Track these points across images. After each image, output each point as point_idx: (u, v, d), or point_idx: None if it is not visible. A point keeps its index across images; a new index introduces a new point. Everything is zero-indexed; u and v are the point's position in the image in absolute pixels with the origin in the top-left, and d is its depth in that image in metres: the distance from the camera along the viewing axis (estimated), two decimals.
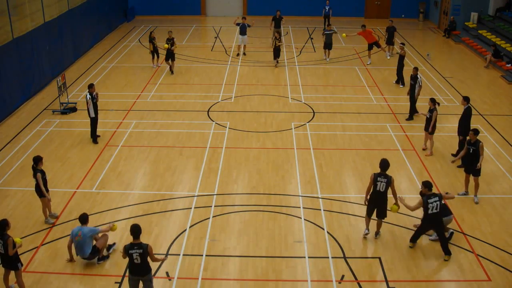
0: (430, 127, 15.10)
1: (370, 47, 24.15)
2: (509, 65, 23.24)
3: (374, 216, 11.49)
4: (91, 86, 15.84)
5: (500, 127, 17.54)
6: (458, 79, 22.48)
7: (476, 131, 13.01)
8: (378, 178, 11.13)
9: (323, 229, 11.91)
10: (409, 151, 15.70)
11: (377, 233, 11.71)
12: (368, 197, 11.41)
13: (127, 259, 9.19)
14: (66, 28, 23.45)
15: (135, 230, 8.89)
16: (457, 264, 10.83)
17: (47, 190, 11.93)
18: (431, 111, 15.05)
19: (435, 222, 10.83)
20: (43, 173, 11.79)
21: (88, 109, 15.79)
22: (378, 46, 24.16)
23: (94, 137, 16.14)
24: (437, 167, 14.80)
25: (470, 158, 12.93)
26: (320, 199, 13.13)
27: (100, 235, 10.73)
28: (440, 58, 25.80)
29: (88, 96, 15.65)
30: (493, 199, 13.20)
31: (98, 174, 14.29)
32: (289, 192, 13.46)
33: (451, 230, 11.57)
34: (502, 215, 12.58)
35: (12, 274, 9.88)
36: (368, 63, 24.26)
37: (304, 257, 10.98)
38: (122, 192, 13.45)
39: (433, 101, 15.09)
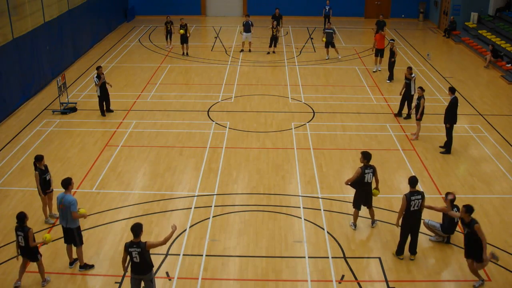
0: (418, 113, 15.88)
1: (377, 54, 22.80)
2: (509, 65, 23.24)
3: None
4: (98, 68, 17.80)
5: (500, 127, 17.54)
6: (458, 79, 22.48)
7: (470, 209, 9.75)
8: (366, 170, 11.38)
9: (323, 229, 11.91)
10: (409, 151, 15.70)
11: (373, 222, 11.92)
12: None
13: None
14: (66, 28, 23.45)
15: (134, 229, 8.90)
16: (457, 264, 10.82)
17: (47, 190, 11.87)
18: (418, 98, 15.94)
19: (415, 220, 10.63)
20: (42, 172, 11.73)
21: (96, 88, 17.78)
22: (382, 55, 22.80)
23: (102, 111, 18.06)
24: (437, 167, 14.80)
25: (467, 241, 9.97)
26: (320, 199, 13.13)
27: (74, 215, 10.20)
28: (440, 58, 25.79)
29: (96, 78, 17.70)
30: (493, 199, 13.20)
31: (98, 174, 14.29)
32: (289, 192, 13.45)
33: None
34: (502, 215, 12.57)
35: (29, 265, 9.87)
36: (374, 70, 23.06)
37: (304, 257, 10.97)
38: (122, 192, 13.45)
39: (421, 89, 16.06)
